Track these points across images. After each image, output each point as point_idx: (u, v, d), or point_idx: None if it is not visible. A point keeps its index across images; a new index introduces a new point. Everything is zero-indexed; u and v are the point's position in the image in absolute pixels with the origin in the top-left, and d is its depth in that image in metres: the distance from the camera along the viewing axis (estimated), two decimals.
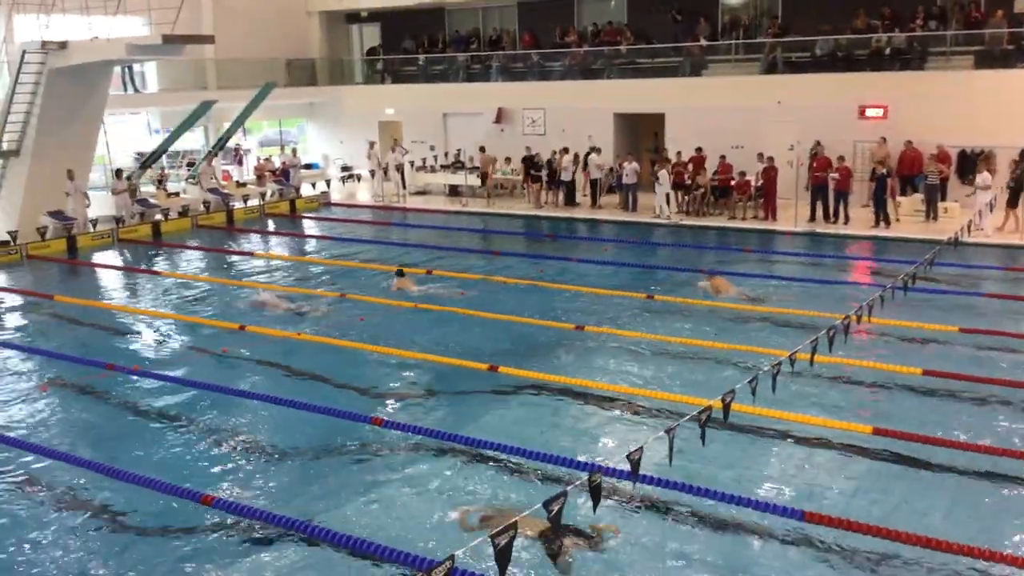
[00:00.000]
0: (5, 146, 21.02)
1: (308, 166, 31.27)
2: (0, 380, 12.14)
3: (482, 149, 27.45)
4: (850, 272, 17.12)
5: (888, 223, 20.18)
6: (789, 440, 9.40)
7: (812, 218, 21.09)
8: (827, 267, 17.33)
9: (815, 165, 21.20)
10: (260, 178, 27.52)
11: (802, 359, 9.07)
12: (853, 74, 22.99)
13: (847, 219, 20.74)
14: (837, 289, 15.37)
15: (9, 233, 20.37)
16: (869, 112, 22.49)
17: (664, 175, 22.64)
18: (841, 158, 20.89)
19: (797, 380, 10.31)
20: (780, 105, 23.25)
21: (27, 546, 7.78)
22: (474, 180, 26.87)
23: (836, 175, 20.59)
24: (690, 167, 23.02)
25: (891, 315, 12.13)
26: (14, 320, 15.81)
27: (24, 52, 20.42)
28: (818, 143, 21.81)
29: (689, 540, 7.57)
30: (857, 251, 18.92)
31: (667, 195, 22.53)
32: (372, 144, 28.18)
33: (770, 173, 21.52)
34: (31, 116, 20.78)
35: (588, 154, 24.69)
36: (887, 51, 23.03)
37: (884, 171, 20.38)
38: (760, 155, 21.83)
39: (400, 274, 16.39)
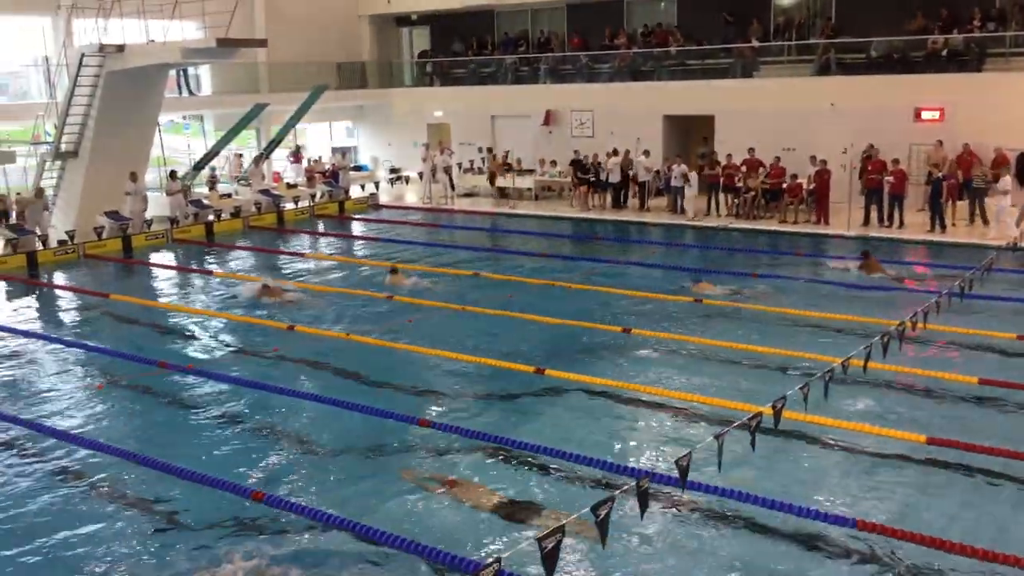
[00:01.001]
0: (64, 147, 21.52)
1: (357, 168, 31.56)
2: (58, 377, 12.43)
3: (490, 150, 27.55)
4: (904, 277, 16.78)
5: (944, 228, 19.78)
6: (841, 448, 9.24)
7: (866, 222, 20.75)
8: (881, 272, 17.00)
9: (869, 168, 20.85)
10: (310, 180, 27.83)
11: (855, 366, 8.92)
12: (909, 76, 22.60)
13: (902, 223, 20.37)
14: (891, 295, 15.08)
15: (67, 232, 20.83)
16: (925, 114, 22.09)
17: (693, 177, 22.67)
18: (896, 161, 20.53)
19: (850, 387, 10.15)
20: (833, 107, 22.90)
21: (80, 540, 7.93)
22: (522, 182, 26.90)
23: (891, 178, 20.24)
24: (742, 169, 22.79)
25: (946, 322, 11.87)
26: (72, 318, 16.19)
27: (82, 55, 20.90)
28: (872, 146, 21.46)
29: (737, 548, 7.47)
30: (912, 256, 18.57)
31: (694, 197, 22.71)
32: (426, 146, 28.33)
33: (823, 176, 21.22)
34: (89, 118, 21.26)
35: (627, 153, 24.52)
36: (944, 52, 22.58)
37: (940, 175, 19.99)
38: (812, 158, 21.55)
39: (394, 271, 17.09)
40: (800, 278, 16.34)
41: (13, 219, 20.88)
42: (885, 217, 20.66)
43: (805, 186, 21.64)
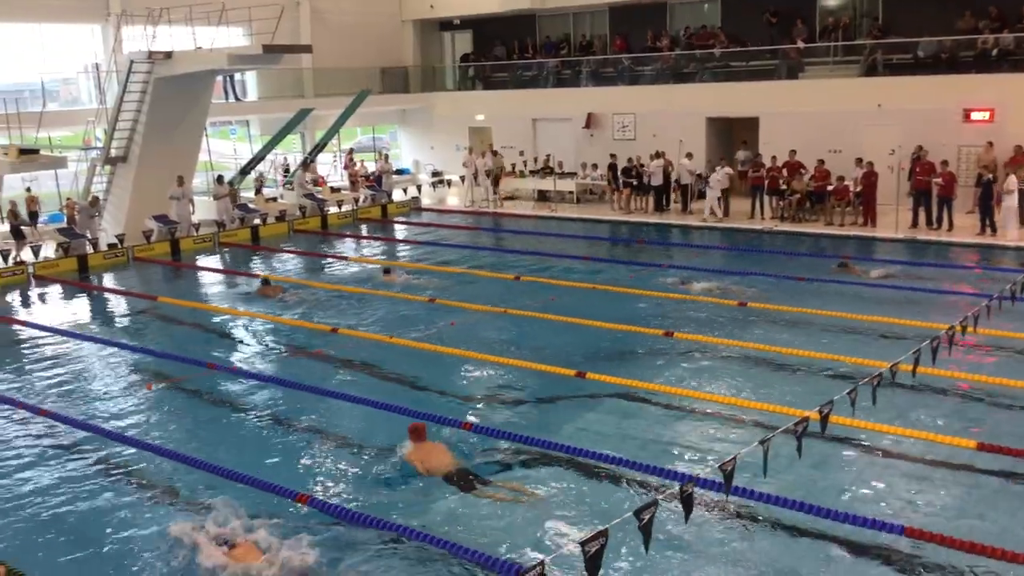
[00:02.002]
0: (114, 153, 21.95)
1: (399, 171, 31.76)
2: (108, 378, 12.68)
3: (494, 152, 27.56)
4: (954, 280, 16.50)
5: (995, 230, 19.40)
6: (889, 454, 9.09)
7: (914, 224, 20.42)
8: (930, 275, 16.72)
9: (918, 170, 20.52)
10: (354, 183, 28.07)
11: (904, 371, 8.78)
12: (958, 76, 22.18)
13: (951, 225, 20.02)
14: (941, 298, 14.80)
15: (116, 236, 21.22)
16: (975, 115, 21.68)
17: (715, 178, 22.66)
18: (944, 163, 20.18)
19: (898, 392, 9.99)
20: (880, 108, 22.60)
21: (127, 538, 8.08)
22: (564, 186, 26.89)
23: (939, 180, 19.90)
24: (785, 172, 22.56)
25: (998, 326, 11.64)
26: (122, 320, 16.49)
27: (132, 62, 21.32)
28: (920, 147, 21.12)
29: (782, 554, 7.39)
30: (962, 259, 18.24)
31: (717, 198, 22.74)
32: (470, 150, 28.42)
33: (870, 178, 20.93)
34: (138, 124, 21.65)
35: (655, 157, 24.40)
36: (994, 52, 22.15)
37: (990, 176, 19.62)
38: (859, 160, 21.26)
39: (387, 272, 18.05)
40: (846, 281, 16.12)
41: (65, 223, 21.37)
42: (934, 219, 20.32)
43: (852, 188, 21.35)
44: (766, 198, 22.81)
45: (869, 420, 9.04)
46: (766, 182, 22.61)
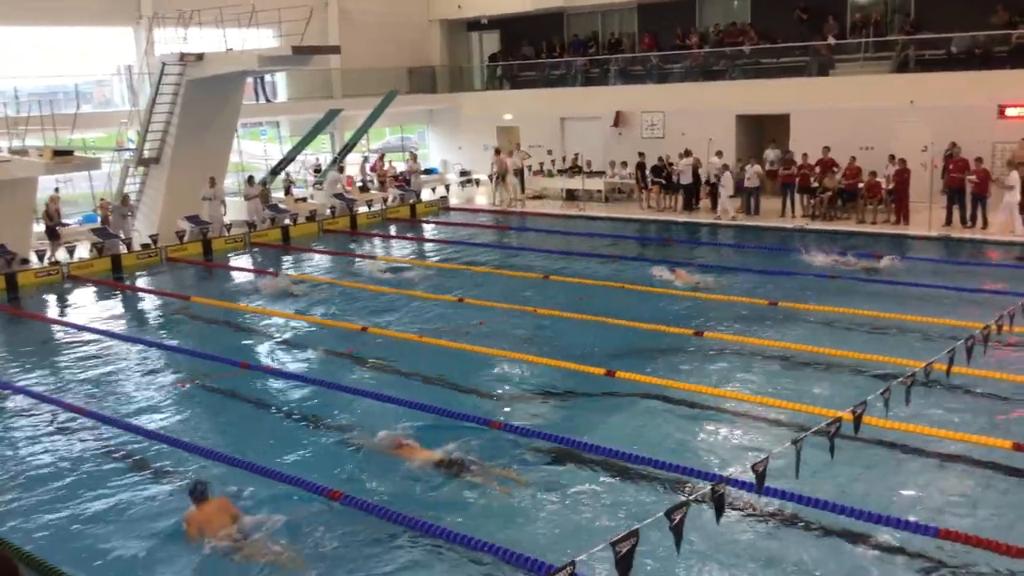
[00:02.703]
0: (146, 154, 22.19)
1: (427, 171, 31.86)
2: (143, 377, 12.83)
3: (497, 151, 27.54)
4: (989, 279, 16.29)
5: None
6: (923, 455, 9.00)
7: (948, 222, 20.18)
8: (964, 273, 16.51)
9: (951, 167, 20.27)
10: (382, 183, 28.19)
11: (938, 370, 8.68)
12: (992, 72, 21.87)
13: (985, 223, 19.75)
14: (976, 297, 14.61)
15: (150, 237, 21.47)
16: (1009, 111, 21.38)
17: (727, 177, 22.65)
18: (979, 160, 19.91)
19: (932, 392, 9.88)
20: (913, 105, 22.34)
21: (162, 536, 8.16)
22: (592, 184, 26.84)
23: (973, 177, 19.64)
24: (816, 169, 22.37)
25: None
26: (156, 319, 16.69)
27: (163, 64, 21.55)
28: (954, 144, 20.87)
29: (814, 556, 7.34)
30: (996, 257, 18.00)
31: (730, 196, 22.81)
32: (497, 151, 28.45)
33: (902, 175, 20.71)
34: (170, 125, 21.87)
35: (684, 155, 24.30)
36: None
37: None
38: (892, 157, 21.04)
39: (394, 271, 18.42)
40: (878, 280, 15.96)
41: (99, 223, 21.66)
42: (967, 217, 20.06)
43: (884, 186, 21.13)
44: (797, 196, 22.65)
45: (903, 421, 8.95)
46: (797, 180, 22.44)
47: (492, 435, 9.80)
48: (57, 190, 23.65)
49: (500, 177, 27.24)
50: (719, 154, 24.14)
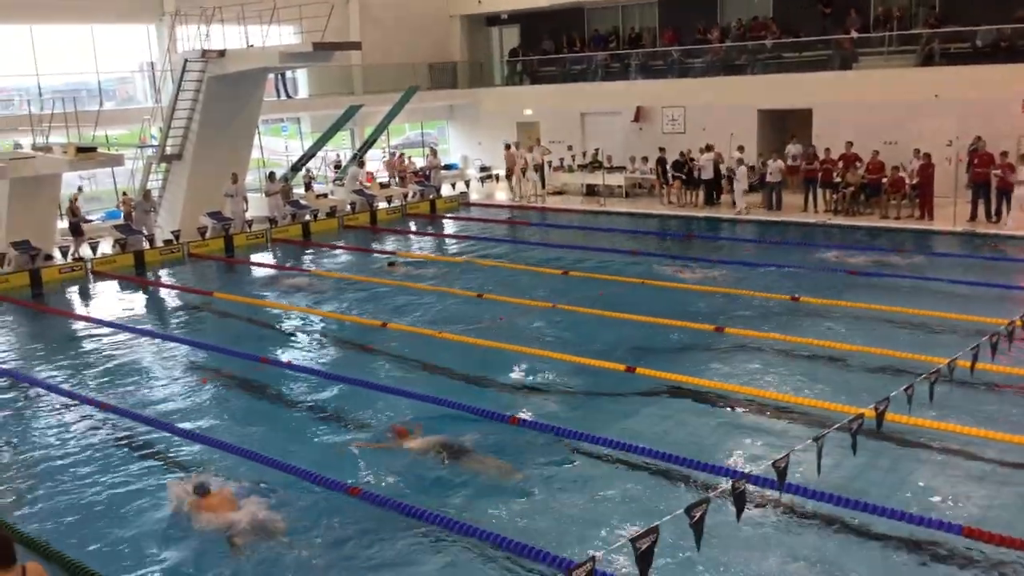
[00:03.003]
0: (169, 150, 22.33)
1: (447, 167, 31.89)
2: (165, 372, 12.92)
3: (507, 146, 27.47)
4: (1015, 275, 16.11)
5: None
6: (947, 452, 8.91)
7: (972, 217, 19.95)
8: (989, 269, 16.33)
9: (976, 162, 20.04)
10: (402, 179, 28.23)
11: (962, 367, 8.59)
12: (1018, 65, 21.62)
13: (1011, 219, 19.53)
14: (1001, 293, 14.45)
15: (172, 233, 21.61)
16: None
17: (742, 171, 22.56)
18: (1004, 154, 19.67)
19: (956, 389, 9.78)
20: (937, 99, 22.12)
21: (184, 531, 8.21)
22: (612, 180, 26.77)
23: (999, 172, 19.41)
24: (839, 164, 22.20)
25: None
26: (178, 315, 16.81)
27: (186, 61, 21.68)
28: (979, 138, 20.64)
29: (836, 552, 7.28)
30: (1022, 252, 17.80)
31: (744, 191, 22.73)
32: (518, 146, 28.42)
33: (927, 170, 20.50)
34: (192, 122, 22.00)
35: (705, 150, 24.15)
36: None
37: None
38: (916, 151, 20.84)
39: (391, 264, 19.05)
40: (901, 275, 15.82)
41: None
42: (992, 212, 19.84)
43: (908, 181, 20.93)
44: (819, 191, 22.48)
45: (926, 418, 8.87)
46: (819, 174, 22.28)
47: (511, 431, 9.79)
48: (80, 189, 23.88)
49: (510, 173, 27.20)
50: (740, 149, 24.00)
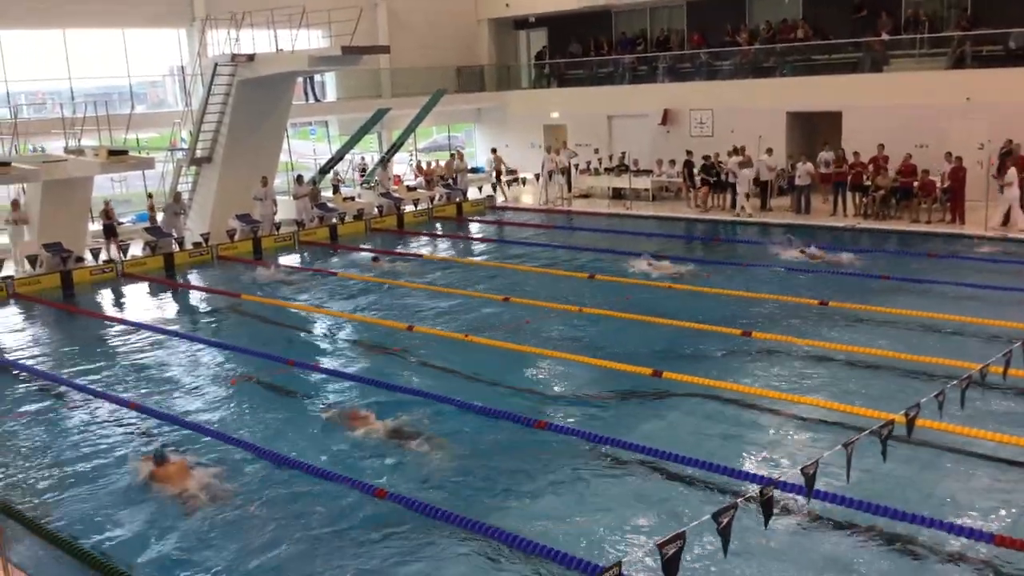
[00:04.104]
0: (199, 153, 22.54)
1: (474, 170, 31.93)
2: (194, 373, 13.02)
3: (493, 151, 27.35)
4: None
5: None
6: (978, 458, 8.78)
7: (1005, 222, 19.68)
8: (1022, 274, 16.11)
9: (1008, 165, 19.77)
10: (429, 182, 28.30)
11: (995, 373, 8.47)
12: None
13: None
14: None
15: (201, 235, 21.80)
16: None
17: (745, 174, 22.63)
18: None
19: (988, 395, 9.65)
20: (969, 102, 21.86)
21: (209, 529, 8.26)
22: (639, 183, 26.68)
23: None
24: (870, 167, 21.98)
25: None
26: (207, 317, 16.95)
27: (216, 65, 21.88)
28: (1011, 141, 20.36)
29: (866, 560, 7.20)
30: None
31: (746, 194, 22.91)
32: (548, 149, 28.41)
33: (958, 174, 20.25)
34: (222, 125, 22.20)
35: (733, 153, 24.03)
36: None
37: None
38: (948, 154, 20.60)
39: (375, 259, 19.79)
40: (932, 280, 15.63)
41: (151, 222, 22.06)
42: None
43: (939, 184, 20.69)
44: (848, 194, 22.28)
45: (958, 424, 8.76)
46: (849, 178, 22.08)
47: (537, 434, 9.78)
48: (107, 202, 24.14)
49: (548, 176, 27.19)
50: (769, 152, 23.84)
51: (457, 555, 7.57)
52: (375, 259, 20.06)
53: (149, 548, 7.95)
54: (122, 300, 18.62)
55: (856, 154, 22.35)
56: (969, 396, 8.11)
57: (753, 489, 6.33)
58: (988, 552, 7.06)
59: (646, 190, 26.73)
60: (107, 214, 21.67)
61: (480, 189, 29.00)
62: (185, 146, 24.20)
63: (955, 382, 8.02)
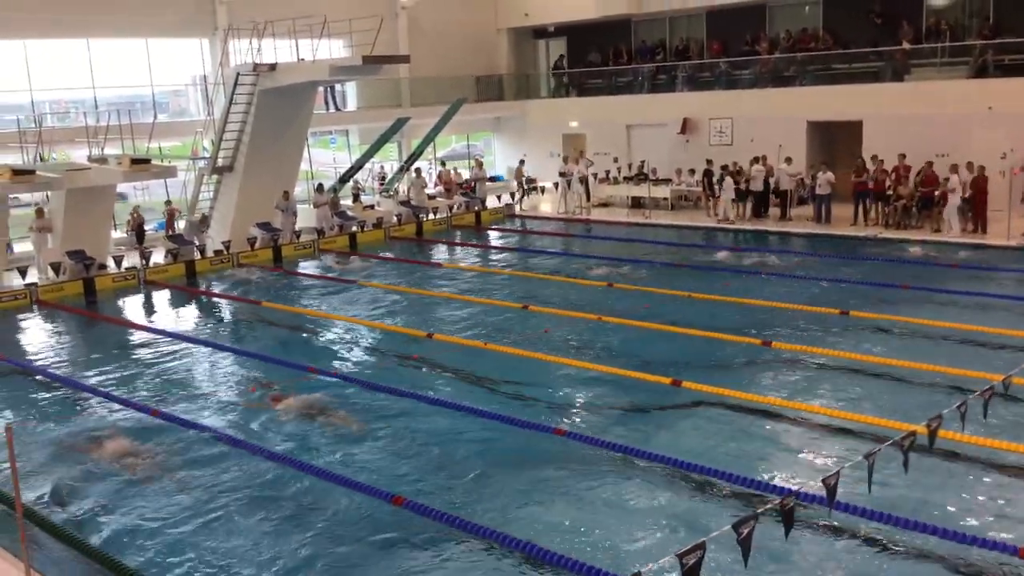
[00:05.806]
0: (220, 162, 22.69)
1: (493, 179, 31.98)
2: (214, 380, 13.11)
3: (521, 162, 27.61)
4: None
5: None
6: (1001, 470, 8.70)
7: None
8: None
9: None
10: (448, 191, 28.38)
11: (1018, 384, 8.39)
12: None
13: None
14: None
15: (222, 243, 21.94)
16: None
17: (729, 182, 23.08)
18: None
19: (1011, 406, 9.56)
20: (991, 111, 21.71)
21: (222, 536, 8.30)
22: (658, 192, 26.65)
23: None
24: (892, 176, 21.85)
25: None
26: (227, 324, 17.06)
27: (238, 75, 22.03)
28: None
29: (887, 572, 7.14)
30: None
31: (731, 200, 23.43)
32: (566, 158, 28.45)
33: (980, 183, 20.11)
34: (244, 134, 22.33)
35: (754, 162, 23.99)
36: None
37: None
38: (969, 164, 20.46)
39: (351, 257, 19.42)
40: (953, 290, 15.51)
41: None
42: None
43: (961, 194, 20.54)
44: (869, 203, 22.14)
45: (980, 435, 8.68)
46: (870, 187, 21.95)
47: (556, 443, 9.76)
48: (136, 207, 24.42)
49: (567, 184, 27.20)
50: (788, 160, 23.75)
51: (472, 563, 7.57)
52: (351, 257, 20.17)
53: (154, 543, 8.00)
54: (143, 307, 18.74)
55: (875, 159, 22.11)
56: (992, 407, 8.02)
57: (773, 499, 6.29)
58: (1013, 563, 6.98)
59: (665, 199, 26.68)
60: (138, 221, 21.92)
61: (499, 198, 29.02)
62: (207, 155, 24.37)
63: (977, 393, 7.96)
